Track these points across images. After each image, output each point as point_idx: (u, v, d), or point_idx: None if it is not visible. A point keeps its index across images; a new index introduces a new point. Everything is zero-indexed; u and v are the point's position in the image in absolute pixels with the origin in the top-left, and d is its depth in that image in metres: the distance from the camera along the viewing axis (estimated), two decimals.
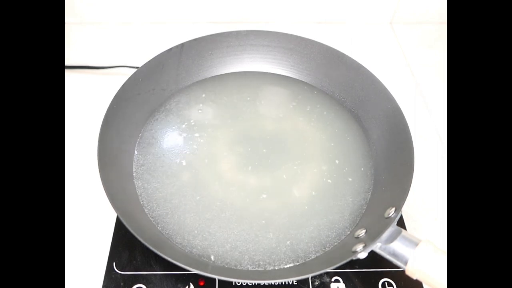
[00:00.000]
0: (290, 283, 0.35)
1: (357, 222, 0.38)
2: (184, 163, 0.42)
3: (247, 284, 0.35)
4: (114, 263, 0.36)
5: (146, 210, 0.38)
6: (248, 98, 0.48)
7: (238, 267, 0.35)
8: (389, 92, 0.43)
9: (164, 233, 0.36)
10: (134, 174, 0.40)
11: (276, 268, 0.35)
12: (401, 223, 0.40)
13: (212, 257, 0.35)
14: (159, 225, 0.37)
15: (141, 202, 0.38)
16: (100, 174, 0.35)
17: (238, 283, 0.35)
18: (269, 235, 0.37)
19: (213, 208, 0.38)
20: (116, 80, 0.43)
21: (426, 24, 0.66)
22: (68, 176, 0.43)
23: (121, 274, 0.35)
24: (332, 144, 0.44)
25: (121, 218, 0.32)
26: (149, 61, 0.45)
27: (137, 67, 0.45)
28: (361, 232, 0.35)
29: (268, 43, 0.50)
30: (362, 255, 0.31)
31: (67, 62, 0.55)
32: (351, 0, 0.62)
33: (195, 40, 0.48)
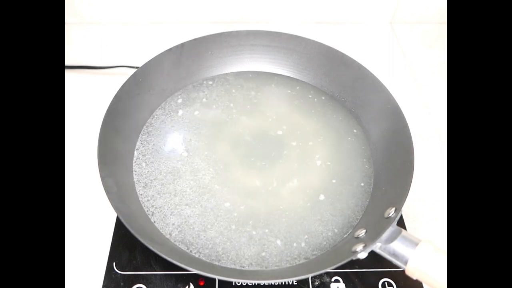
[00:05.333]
0: (290, 283, 0.35)
1: (357, 222, 0.38)
2: (184, 163, 0.42)
3: (247, 284, 0.35)
4: (114, 263, 0.36)
5: (146, 210, 0.38)
6: (248, 98, 0.48)
7: (238, 267, 0.35)
8: (389, 92, 0.43)
9: (164, 233, 0.37)
10: (134, 174, 0.41)
11: (276, 268, 0.35)
12: (401, 223, 0.40)
13: (212, 257, 0.35)
14: (159, 225, 0.37)
15: (141, 202, 0.39)
16: (100, 174, 0.35)
17: (238, 283, 0.35)
18: (269, 235, 0.37)
19: (213, 208, 0.38)
20: (116, 80, 0.43)
21: (426, 24, 0.66)
22: (68, 176, 0.43)
23: (121, 274, 0.35)
24: (332, 144, 0.44)
25: (121, 218, 0.32)
26: (149, 61, 0.45)
27: (137, 67, 0.45)
28: (361, 232, 0.36)
29: (268, 43, 0.50)
30: (362, 255, 0.31)
31: (67, 62, 0.55)
32: (351, 0, 0.62)
33: (195, 40, 0.48)
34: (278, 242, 0.36)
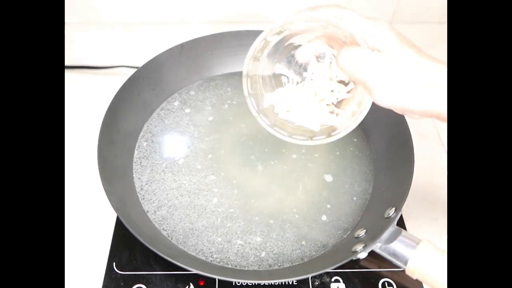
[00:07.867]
0: (290, 283, 0.35)
1: (357, 222, 0.38)
2: (184, 163, 0.42)
3: (247, 284, 0.35)
4: (114, 263, 0.36)
5: (146, 210, 0.38)
6: None
7: (238, 267, 0.35)
8: None
9: (164, 233, 0.37)
10: (134, 174, 0.41)
11: (276, 268, 0.35)
12: (401, 223, 0.40)
13: (212, 257, 0.35)
14: (158, 225, 0.37)
15: (141, 202, 0.39)
16: (100, 174, 0.35)
17: (238, 283, 0.35)
18: (269, 235, 0.37)
19: (213, 208, 0.38)
20: (116, 80, 0.43)
21: (426, 24, 0.66)
22: (69, 176, 0.43)
23: (121, 274, 0.35)
24: (333, 145, 0.44)
25: (121, 218, 0.32)
26: (149, 61, 0.45)
27: (137, 67, 0.45)
28: (361, 232, 0.36)
29: None
30: (362, 255, 0.32)
31: (67, 62, 0.55)
32: (351, 0, 0.62)
33: (194, 40, 0.48)
34: (278, 242, 0.36)
